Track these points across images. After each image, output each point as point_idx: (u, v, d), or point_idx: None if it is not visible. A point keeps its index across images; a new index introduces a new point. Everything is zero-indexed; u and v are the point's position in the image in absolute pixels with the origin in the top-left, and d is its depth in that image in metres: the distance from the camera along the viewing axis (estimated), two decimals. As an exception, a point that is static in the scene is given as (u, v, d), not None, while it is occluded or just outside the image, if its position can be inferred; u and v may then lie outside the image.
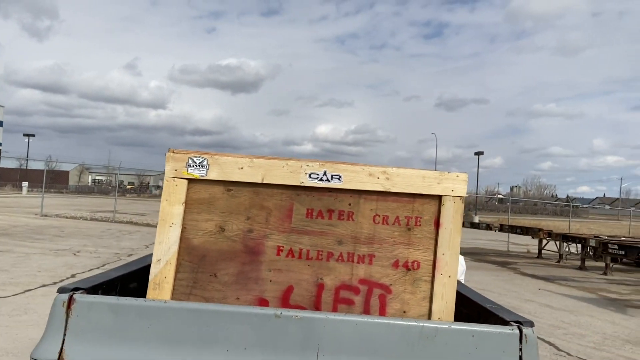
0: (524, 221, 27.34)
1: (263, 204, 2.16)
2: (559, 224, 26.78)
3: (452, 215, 2.13)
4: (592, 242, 13.39)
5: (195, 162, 2.14)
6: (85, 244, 13.70)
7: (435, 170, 2.20)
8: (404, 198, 2.14)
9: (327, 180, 2.13)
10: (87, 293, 1.99)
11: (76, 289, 1.96)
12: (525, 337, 1.89)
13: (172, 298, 2.10)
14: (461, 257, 3.39)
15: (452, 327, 1.93)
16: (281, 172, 2.14)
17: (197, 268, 2.14)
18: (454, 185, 2.14)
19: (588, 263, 14.90)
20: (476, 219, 36.30)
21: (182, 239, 2.13)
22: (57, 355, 1.83)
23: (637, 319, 8.13)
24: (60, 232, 16.26)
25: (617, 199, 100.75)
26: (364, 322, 1.92)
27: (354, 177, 2.14)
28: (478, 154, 49.93)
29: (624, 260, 13.90)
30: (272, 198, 2.16)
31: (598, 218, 55.97)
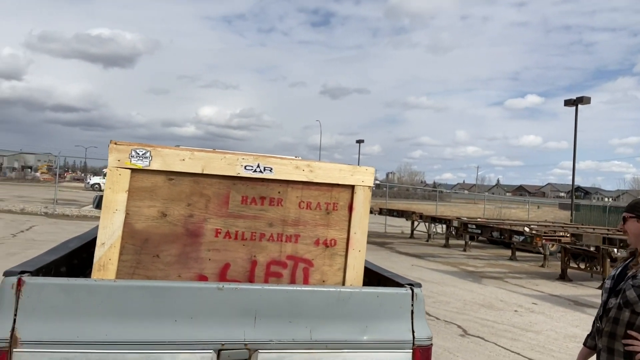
0: (398, 205, 29.96)
1: (203, 192, 2.42)
2: (427, 207, 29.89)
3: (362, 201, 2.61)
4: (455, 223, 15.36)
5: (139, 154, 2.32)
6: (-63, 233, 12.01)
7: (320, 158, 2.65)
8: (324, 187, 2.57)
9: (260, 171, 2.47)
10: (32, 275, 2.08)
11: (23, 272, 2.05)
12: (416, 295, 2.45)
13: (117, 278, 2.28)
14: None
15: (362, 290, 2.42)
16: (219, 164, 2.42)
17: (140, 250, 2.34)
18: (364, 177, 2.62)
19: (451, 241, 17.07)
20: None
21: (126, 223, 2.31)
22: (10, 333, 1.93)
23: (490, 287, 9.73)
24: None
25: (474, 184, 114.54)
26: (293, 290, 2.32)
27: (283, 169, 2.50)
28: (359, 142, 52.87)
29: (480, 237, 16.20)
30: (211, 187, 2.43)
31: (459, 202, 63.25)
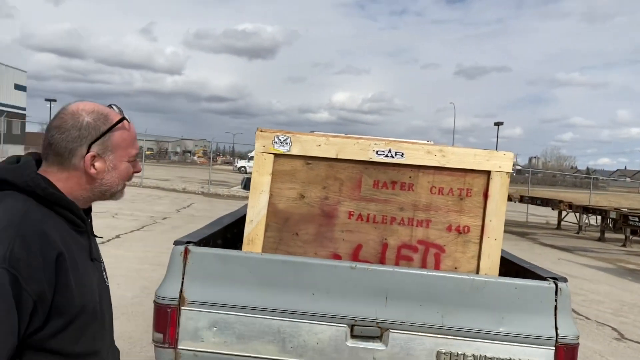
0: (542, 192, 27.40)
1: (337, 176, 2.55)
2: (578, 196, 26.77)
3: (499, 187, 2.50)
4: (613, 214, 13.59)
5: (280, 140, 2.53)
6: (121, 207, 14.38)
7: (454, 142, 2.54)
8: (457, 172, 2.51)
9: (392, 156, 2.51)
10: (196, 245, 2.43)
11: (189, 242, 2.40)
12: (560, 290, 2.28)
13: (263, 252, 2.53)
14: None
15: (498, 280, 2.33)
16: (352, 149, 2.52)
17: (282, 228, 2.57)
18: (501, 162, 2.50)
19: (607, 235, 15.12)
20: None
21: (270, 203, 2.55)
22: (179, 293, 2.29)
23: (654, 288, 8.45)
24: (95, 196, 16.99)
25: (639, 171, 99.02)
26: (424, 275, 2.34)
27: (414, 154, 2.50)
28: (498, 124, 49.33)
29: (644, 232, 14.07)
30: (345, 171, 2.55)
31: (618, 190, 55.38)
